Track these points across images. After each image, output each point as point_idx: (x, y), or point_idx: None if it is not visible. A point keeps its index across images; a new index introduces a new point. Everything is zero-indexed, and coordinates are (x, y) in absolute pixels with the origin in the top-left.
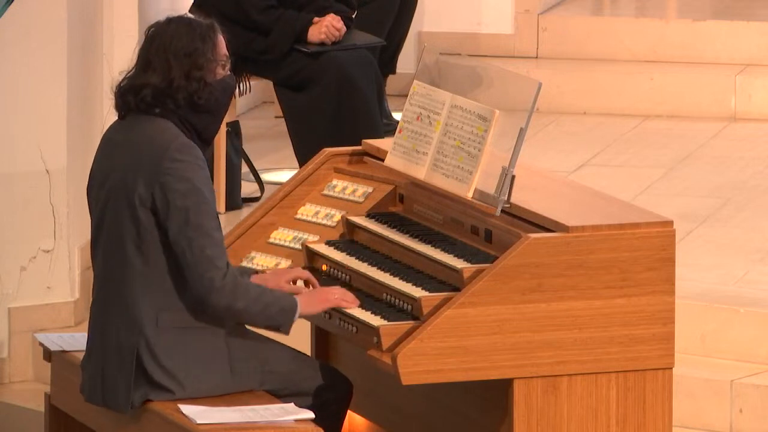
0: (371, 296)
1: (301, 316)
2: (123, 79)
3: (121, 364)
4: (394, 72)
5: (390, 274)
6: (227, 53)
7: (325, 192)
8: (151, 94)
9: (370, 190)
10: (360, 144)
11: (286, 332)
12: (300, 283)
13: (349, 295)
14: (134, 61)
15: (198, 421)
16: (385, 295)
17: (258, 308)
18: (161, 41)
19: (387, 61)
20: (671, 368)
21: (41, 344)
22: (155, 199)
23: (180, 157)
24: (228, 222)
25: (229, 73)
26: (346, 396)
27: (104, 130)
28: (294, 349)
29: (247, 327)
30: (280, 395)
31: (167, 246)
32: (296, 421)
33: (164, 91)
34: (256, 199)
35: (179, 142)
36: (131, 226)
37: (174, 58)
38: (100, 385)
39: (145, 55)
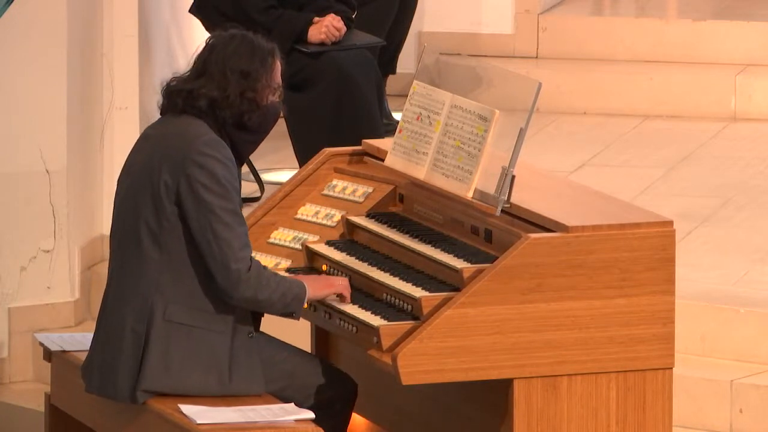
0: (371, 296)
1: (308, 301)
2: (173, 80)
3: (124, 353)
4: (394, 72)
5: (390, 274)
6: (281, 81)
7: (325, 192)
8: (207, 104)
9: (370, 190)
10: (360, 144)
11: (298, 318)
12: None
13: (348, 289)
14: (190, 66)
15: (198, 421)
16: (385, 295)
17: (277, 297)
18: (221, 54)
19: (387, 61)
20: (671, 368)
21: (41, 344)
22: (180, 190)
23: (208, 152)
24: None
25: (278, 99)
26: (350, 396)
27: (104, 130)
28: (297, 348)
29: (253, 329)
30: (284, 396)
31: (187, 239)
32: (296, 421)
33: (220, 103)
34: (256, 199)
35: (209, 137)
36: (152, 215)
37: (231, 73)
38: (98, 374)
39: (202, 63)
